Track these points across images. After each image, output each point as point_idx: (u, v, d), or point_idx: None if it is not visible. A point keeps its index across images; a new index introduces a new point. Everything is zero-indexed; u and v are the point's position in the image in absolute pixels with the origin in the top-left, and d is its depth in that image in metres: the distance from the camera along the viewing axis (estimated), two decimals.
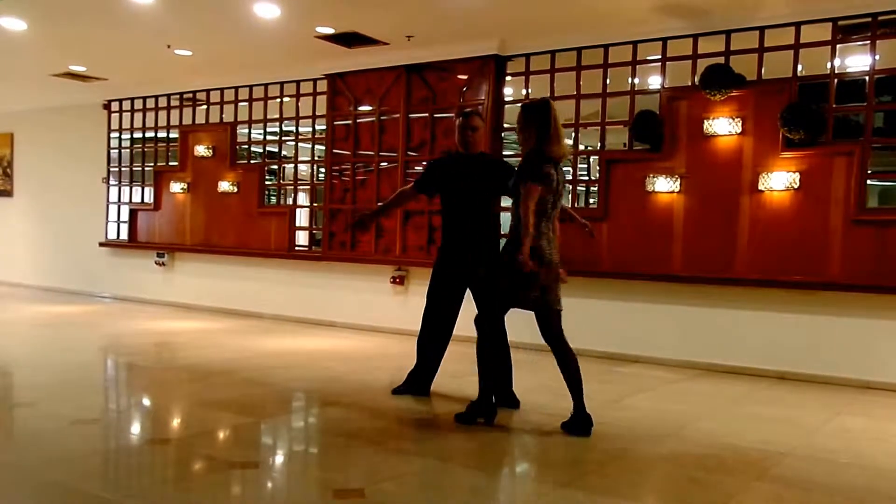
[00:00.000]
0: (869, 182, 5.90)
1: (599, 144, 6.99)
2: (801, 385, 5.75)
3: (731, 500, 3.17)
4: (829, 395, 5.42)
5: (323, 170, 8.48)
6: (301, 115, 8.69)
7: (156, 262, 9.92)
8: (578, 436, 4.07)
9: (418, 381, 4.94)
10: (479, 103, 7.31)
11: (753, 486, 3.38)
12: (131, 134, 10.33)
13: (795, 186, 5.98)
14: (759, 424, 4.53)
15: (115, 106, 10.38)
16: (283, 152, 9.13)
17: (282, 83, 8.73)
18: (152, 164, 10.05)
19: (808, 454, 3.90)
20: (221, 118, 9.39)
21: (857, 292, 5.70)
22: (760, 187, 6.10)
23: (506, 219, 7.49)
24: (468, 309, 4.78)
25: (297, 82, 8.58)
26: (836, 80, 5.90)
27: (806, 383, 5.80)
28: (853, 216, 5.77)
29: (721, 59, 6.23)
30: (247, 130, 9.46)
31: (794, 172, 5.98)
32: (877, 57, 5.75)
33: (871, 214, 5.81)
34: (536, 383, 5.38)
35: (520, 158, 7.31)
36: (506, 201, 5.44)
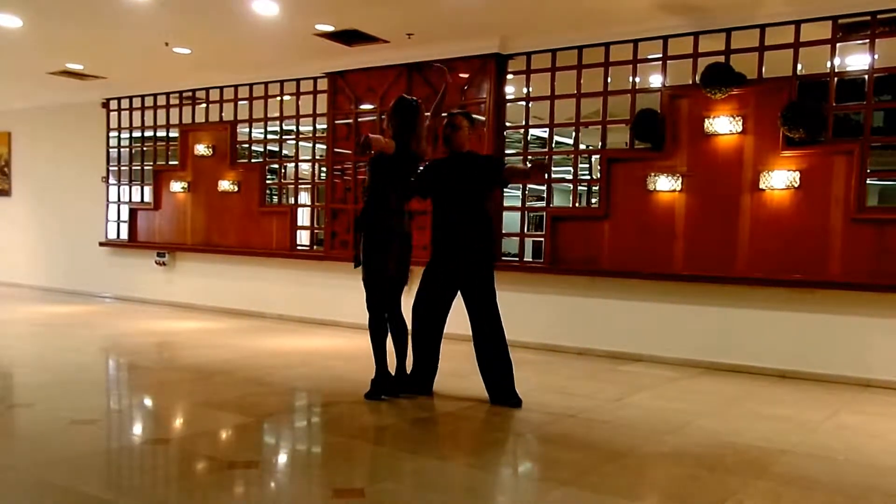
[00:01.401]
0: (869, 181, 5.90)
1: (600, 143, 6.98)
2: (801, 383, 5.75)
3: (732, 498, 3.17)
4: (828, 394, 5.43)
5: (324, 169, 8.49)
6: (302, 113, 8.67)
7: (156, 262, 9.91)
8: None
9: (419, 380, 4.92)
10: (480, 102, 7.30)
11: (753, 483, 3.38)
12: (130, 133, 10.30)
13: (796, 185, 5.98)
14: (759, 422, 4.53)
15: (113, 104, 10.35)
16: (284, 151, 9.13)
17: (282, 81, 8.72)
18: (152, 164, 10.05)
19: (807, 452, 3.91)
20: (221, 117, 9.38)
21: (857, 291, 5.71)
22: (761, 186, 6.11)
23: (509, 219, 7.56)
24: (464, 308, 4.80)
25: (298, 80, 8.56)
26: (835, 79, 5.90)
27: (806, 381, 5.80)
28: (853, 215, 5.78)
29: (721, 58, 6.22)
30: (247, 129, 9.45)
31: (795, 171, 5.98)
32: (876, 56, 5.75)
33: (870, 213, 5.81)
34: (539, 383, 5.39)
35: (520, 154, 7.28)
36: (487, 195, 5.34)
